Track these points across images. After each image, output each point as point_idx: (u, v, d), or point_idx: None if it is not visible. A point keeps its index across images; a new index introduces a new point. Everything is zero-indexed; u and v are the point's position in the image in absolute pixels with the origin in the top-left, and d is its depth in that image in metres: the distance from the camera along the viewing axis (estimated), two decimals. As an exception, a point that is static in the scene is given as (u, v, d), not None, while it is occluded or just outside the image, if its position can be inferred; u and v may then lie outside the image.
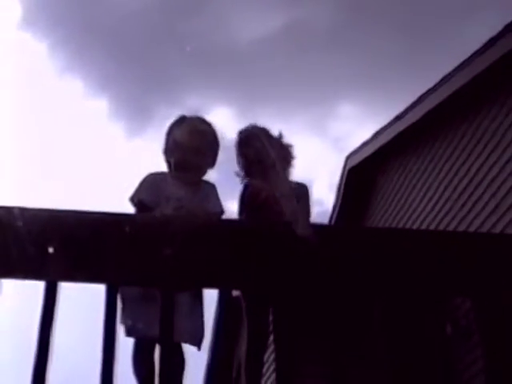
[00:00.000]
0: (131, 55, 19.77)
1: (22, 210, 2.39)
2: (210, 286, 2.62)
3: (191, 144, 3.54)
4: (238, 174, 3.72)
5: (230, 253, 2.49)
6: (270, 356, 3.52)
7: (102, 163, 18.05)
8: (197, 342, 3.27)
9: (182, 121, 3.67)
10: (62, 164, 18.49)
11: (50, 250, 2.33)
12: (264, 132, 3.69)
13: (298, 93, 19.06)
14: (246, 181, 3.65)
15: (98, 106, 21.69)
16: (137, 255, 2.45)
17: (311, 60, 18.22)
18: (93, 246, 2.42)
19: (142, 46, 19.44)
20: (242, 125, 3.82)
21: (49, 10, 20.43)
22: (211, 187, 3.62)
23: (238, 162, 3.72)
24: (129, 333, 3.16)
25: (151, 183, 3.52)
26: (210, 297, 3.02)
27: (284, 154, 3.67)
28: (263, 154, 3.58)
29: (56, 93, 20.16)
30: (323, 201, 10.87)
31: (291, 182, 3.65)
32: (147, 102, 21.34)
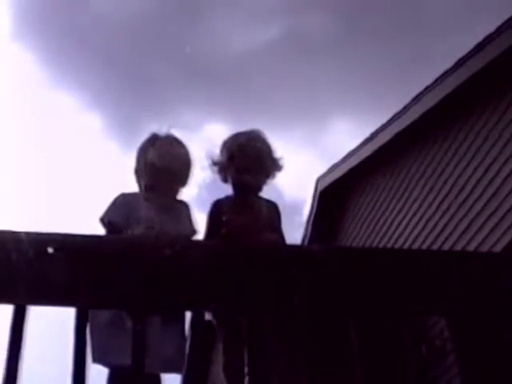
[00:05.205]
0: (122, 70, 19.68)
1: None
2: (185, 308, 2.55)
3: (162, 166, 3.45)
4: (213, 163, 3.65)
5: (203, 273, 2.42)
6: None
7: (97, 179, 17.86)
8: (174, 369, 3.14)
9: (153, 141, 3.59)
10: (55, 180, 18.29)
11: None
12: (261, 144, 3.61)
13: (291, 107, 19.02)
14: (215, 199, 3.57)
15: (91, 122, 21.49)
16: (107, 277, 2.37)
17: (305, 73, 18.22)
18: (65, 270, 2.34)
19: (133, 61, 19.31)
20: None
21: (38, 22, 20.27)
22: (184, 207, 3.54)
23: (221, 160, 3.62)
24: (95, 359, 3.06)
25: (122, 204, 3.45)
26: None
27: (272, 169, 3.62)
28: (254, 166, 3.52)
29: (48, 107, 19.95)
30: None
31: (265, 200, 3.61)
32: (139, 118, 21.11)
